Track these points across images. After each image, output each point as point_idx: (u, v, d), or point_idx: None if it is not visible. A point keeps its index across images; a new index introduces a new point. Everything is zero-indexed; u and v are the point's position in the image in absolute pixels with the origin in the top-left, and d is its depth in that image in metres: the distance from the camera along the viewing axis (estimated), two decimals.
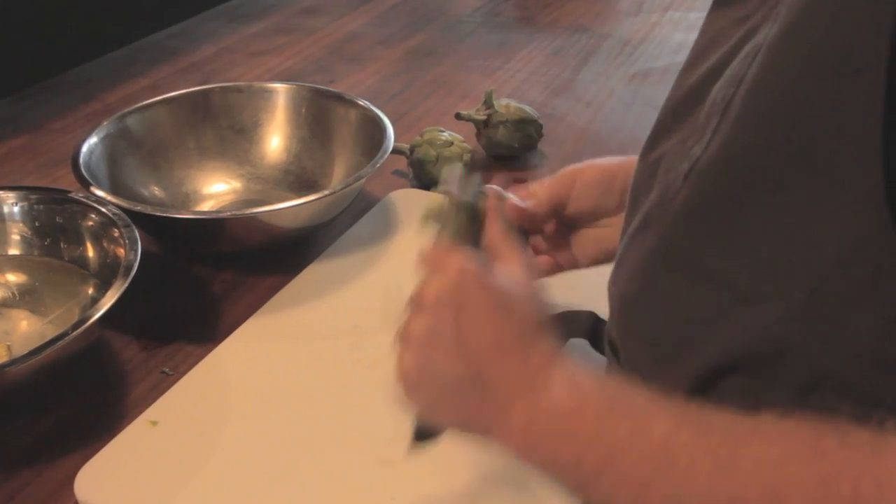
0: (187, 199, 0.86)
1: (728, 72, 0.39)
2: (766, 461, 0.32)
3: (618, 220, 0.58)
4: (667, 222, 0.41)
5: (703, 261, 0.39)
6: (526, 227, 0.60)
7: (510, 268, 0.47)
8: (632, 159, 0.60)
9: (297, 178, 0.89)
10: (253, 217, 0.73)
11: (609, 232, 0.59)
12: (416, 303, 0.45)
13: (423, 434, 0.49)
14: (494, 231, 0.50)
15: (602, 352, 0.57)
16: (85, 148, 0.78)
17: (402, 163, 0.94)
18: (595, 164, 0.60)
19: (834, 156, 0.33)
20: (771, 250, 0.36)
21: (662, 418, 0.36)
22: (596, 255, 0.61)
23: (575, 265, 0.62)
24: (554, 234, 0.61)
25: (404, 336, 0.45)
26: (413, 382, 0.45)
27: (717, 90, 0.40)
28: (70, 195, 0.72)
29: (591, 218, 0.60)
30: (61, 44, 1.18)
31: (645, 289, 0.44)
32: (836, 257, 0.33)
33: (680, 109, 0.44)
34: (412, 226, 0.83)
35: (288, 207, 0.72)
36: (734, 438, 0.34)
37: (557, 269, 0.62)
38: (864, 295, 0.33)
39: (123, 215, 0.69)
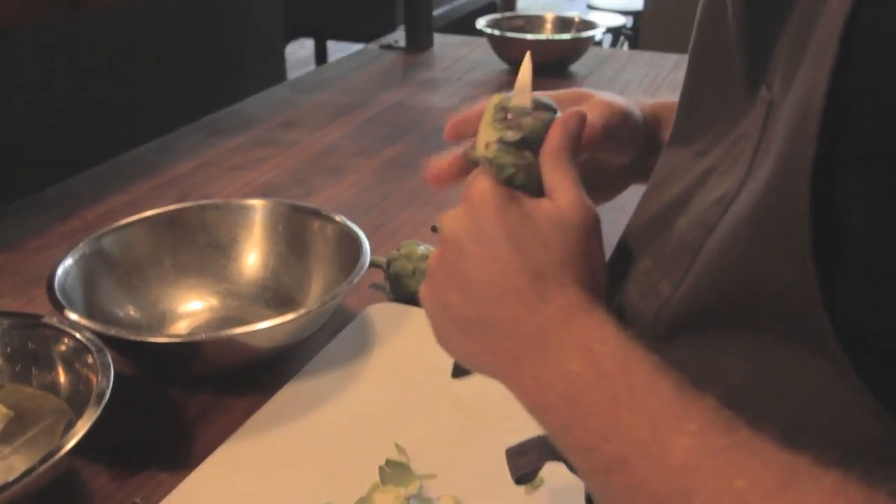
0: (163, 318, 0.86)
1: (694, 212, 0.40)
2: None
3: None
4: None
5: None
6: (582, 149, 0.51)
7: (556, 195, 0.42)
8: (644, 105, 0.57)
9: (275, 293, 0.89)
10: (228, 339, 0.72)
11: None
12: (440, 233, 0.43)
13: (459, 371, 0.48)
14: (548, 149, 0.44)
15: None
16: (60, 270, 0.78)
17: (379, 276, 0.94)
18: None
19: (787, 307, 0.33)
20: (741, 396, 0.36)
21: (687, 431, 0.33)
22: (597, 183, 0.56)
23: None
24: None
25: (428, 266, 0.44)
26: (429, 313, 0.44)
27: (685, 229, 0.40)
28: (43, 320, 0.71)
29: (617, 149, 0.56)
30: (42, 161, 1.19)
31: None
32: (802, 406, 0.34)
33: (641, 237, 0.45)
34: (390, 341, 0.83)
35: (264, 328, 0.72)
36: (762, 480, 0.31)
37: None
38: (829, 440, 0.33)
39: (97, 340, 0.68)
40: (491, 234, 0.40)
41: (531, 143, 0.44)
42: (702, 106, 0.44)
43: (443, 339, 0.44)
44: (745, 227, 0.35)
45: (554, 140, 0.44)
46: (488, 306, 0.39)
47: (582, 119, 0.45)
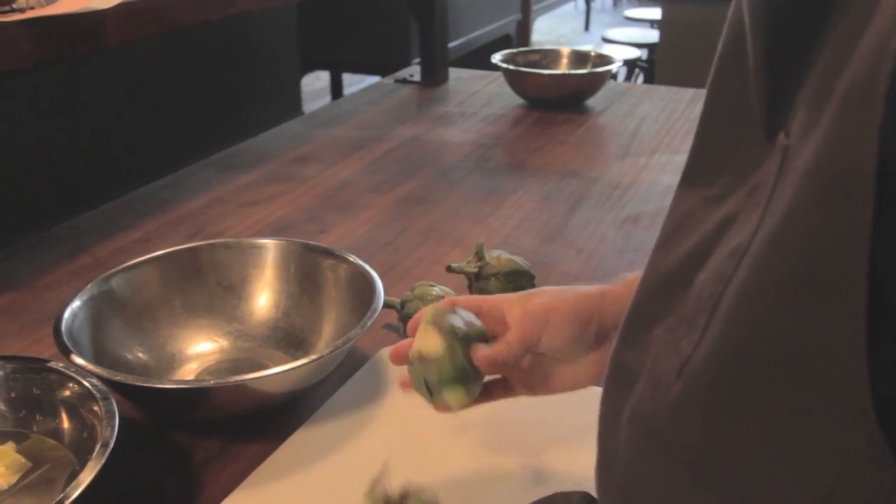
0: (172, 360, 0.84)
1: (713, 265, 0.38)
2: None
3: (593, 357, 0.60)
4: (659, 417, 0.39)
5: (702, 465, 0.37)
6: (501, 373, 0.62)
7: None
8: (603, 291, 0.62)
9: (286, 334, 0.87)
10: (238, 384, 0.70)
11: (582, 368, 0.61)
12: None
13: None
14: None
15: None
16: (67, 312, 0.77)
17: (392, 316, 0.92)
18: (565, 298, 0.60)
19: (820, 375, 0.31)
20: (767, 463, 0.34)
21: None
22: (570, 384, 0.62)
23: (548, 390, 0.63)
24: (528, 367, 0.62)
25: None
26: None
27: (704, 284, 0.39)
28: (48, 364, 0.70)
29: (563, 355, 0.61)
30: (51, 197, 1.18)
31: (643, 487, 0.41)
32: (831, 482, 0.31)
33: (661, 294, 0.43)
34: None
35: (275, 374, 0.70)
36: None
37: (531, 392, 0.63)
38: None
39: (102, 387, 0.66)
40: None
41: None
42: (716, 148, 0.43)
43: None
44: (762, 280, 0.33)
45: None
46: None
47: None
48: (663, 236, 0.46)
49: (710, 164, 0.43)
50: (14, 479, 0.66)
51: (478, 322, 0.59)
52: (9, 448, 0.67)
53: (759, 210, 0.36)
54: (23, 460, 0.67)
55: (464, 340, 0.57)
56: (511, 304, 0.61)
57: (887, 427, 0.30)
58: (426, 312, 0.59)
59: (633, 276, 0.60)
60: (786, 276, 0.33)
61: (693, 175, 0.45)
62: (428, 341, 0.57)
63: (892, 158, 0.28)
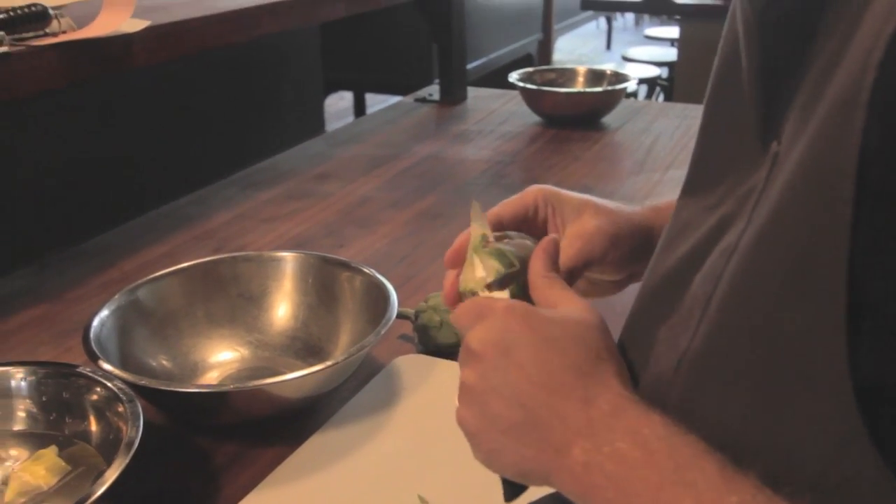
0: (195, 368, 0.87)
1: (707, 265, 0.41)
2: None
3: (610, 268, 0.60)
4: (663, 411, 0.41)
5: None
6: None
7: (562, 306, 0.45)
8: (635, 213, 0.61)
9: (304, 344, 0.90)
10: (256, 389, 0.73)
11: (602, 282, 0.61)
12: (466, 353, 0.45)
13: (511, 489, 0.48)
14: (537, 272, 0.48)
15: None
16: (96, 321, 0.80)
17: (407, 327, 0.95)
18: (614, 216, 0.59)
19: (805, 363, 0.33)
20: (758, 450, 0.36)
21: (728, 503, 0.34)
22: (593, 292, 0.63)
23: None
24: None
25: (460, 389, 0.45)
26: (473, 433, 0.44)
27: (699, 283, 0.41)
28: (77, 369, 0.73)
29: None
30: (81, 214, 1.23)
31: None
32: (818, 467, 0.33)
33: (660, 294, 0.45)
34: (417, 393, 0.83)
35: (292, 379, 0.73)
36: None
37: None
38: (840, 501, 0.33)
39: (128, 390, 0.70)
40: (526, 339, 0.42)
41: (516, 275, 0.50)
42: (715, 159, 0.45)
43: (493, 455, 0.45)
44: (749, 277, 0.36)
45: (538, 264, 0.48)
46: (539, 406, 0.41)
47: (555, 245, 0.50)
48: (664, 242, 0.48)
49: (709, 175, 0.45)
50: (54, 481, 0.69)
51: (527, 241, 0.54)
52: (51, 452, 0.70)
53: (748, 213, 0.39)
54: (62, 464, 0.69)
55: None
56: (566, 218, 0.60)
57: (869, 416, 0.32)
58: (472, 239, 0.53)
59: (665, 203, 0.60)
60: (771, 271, 0.35)
61: (694, 185, 0.47)
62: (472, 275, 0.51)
63: (872, 162, 0.31)
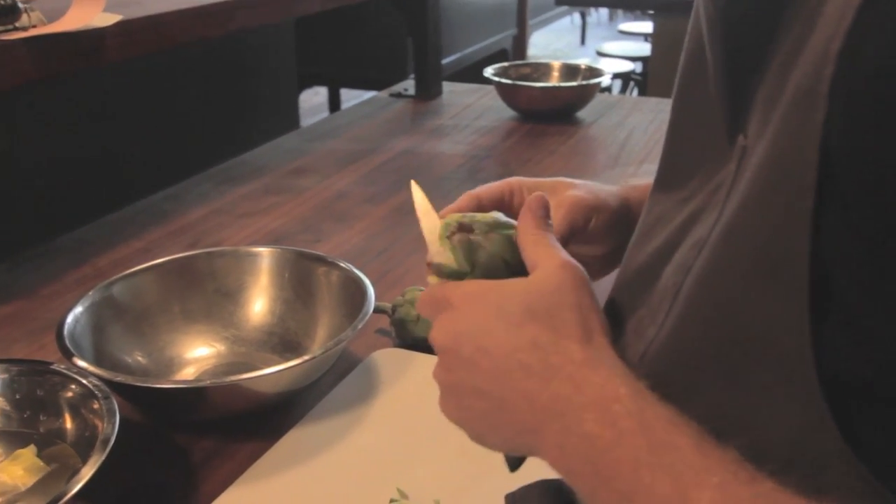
0: (171, 364, 0.87)
1: (677, 257, 0.41)
2: None
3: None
4: None
5: None
6: None
7: (541, 265, 0.44)
8: (613, 193, 0.62)
9: (281, 339, 0.90)
10: (233, 384, 0.73)
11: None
12: (434, 348, 0.46)
13: (513, 461, 0.50)
14: (525, 230, 0.47)
15: None
16: (70, 318, 0.79)
17: (385, 321, 0.95)
18: (591, 188, 0.60)
19: (771, 353, 0.34)
20: (726, 437, 0.36)
21: (710, 484, 0.33)
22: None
23: None
24: None
25: (435, 380, 0.46)
26: (457, 422, 0.46)
27: (668, 276, 0.41)
28: (51, 367, 0.72)
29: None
30: (55, 209, 1.21)
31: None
32: (787, 453, 0.34)
33: (633, 287, 0.46)
34: (395, 387, 0.84)
35: (269, 374, 0.73)
36: None
37: None
38: (808, 487, 0.33)
39: (103, 386, 0.69)
40: (481, 326, 0.42)
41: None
42: (684, 154, 0.46)
43: (482, 438, 0.46)
44: (718, 267, 0.36)
45: (526, 222, 0.47)
46: (502, 390, 0.41)
47: (544, 200, 0.48)
48: (637, 237, 0.49)
49: (680, 170, 0.46)
50: (32, 481, 0.68)
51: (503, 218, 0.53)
52: (29, 451, 0.69)
53: (719, 206, 0.39)
54: (41, 464, 0.69)
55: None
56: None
57: (835, 402, 0.33)
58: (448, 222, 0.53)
59: (644, 183, 0.61)
60: (739, 261, 0.35)
61: (665, 180, 0.48)
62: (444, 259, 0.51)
63: (833, 152, 0.31)
